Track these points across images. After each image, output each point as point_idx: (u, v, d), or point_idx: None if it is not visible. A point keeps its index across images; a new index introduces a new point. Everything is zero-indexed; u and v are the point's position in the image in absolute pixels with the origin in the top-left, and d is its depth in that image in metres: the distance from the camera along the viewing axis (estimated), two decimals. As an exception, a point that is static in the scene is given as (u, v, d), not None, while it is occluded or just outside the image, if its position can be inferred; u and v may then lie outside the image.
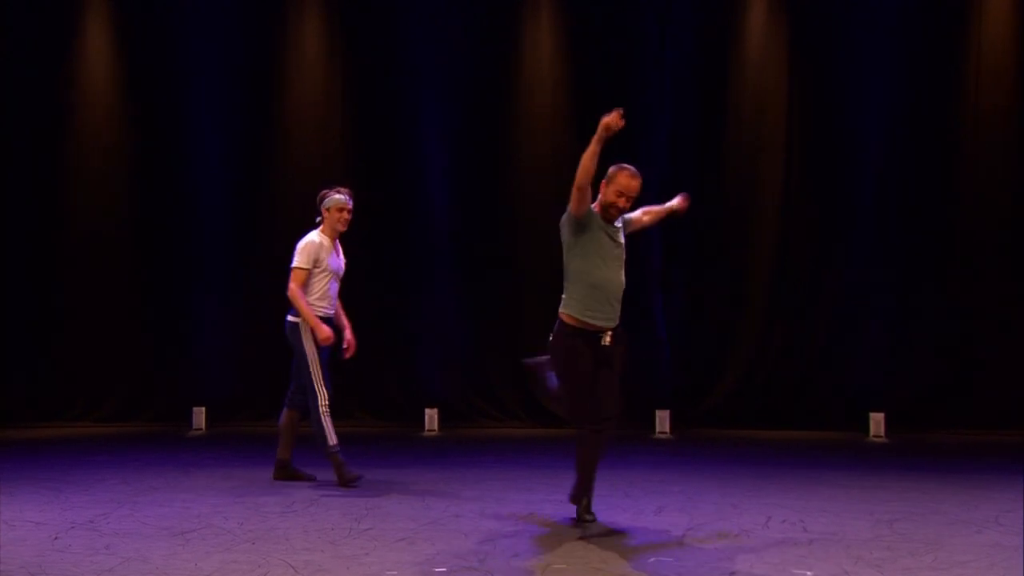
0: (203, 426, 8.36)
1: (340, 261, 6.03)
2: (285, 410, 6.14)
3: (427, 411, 8.38)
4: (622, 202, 4.86)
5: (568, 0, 8.49)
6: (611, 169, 4.94)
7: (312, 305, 5.85)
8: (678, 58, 8.38)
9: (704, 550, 4.39)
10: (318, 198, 6.01)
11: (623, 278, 4.90)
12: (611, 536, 4.68)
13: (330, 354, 5.97)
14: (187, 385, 8.48)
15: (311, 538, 4.63)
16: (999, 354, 8.04)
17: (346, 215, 5.92)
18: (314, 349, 5.85)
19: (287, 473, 6.05)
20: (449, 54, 8.49)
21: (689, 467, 6.71)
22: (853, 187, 8.30)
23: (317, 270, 5.87)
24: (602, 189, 4.91)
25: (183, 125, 8.58)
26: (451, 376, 8.58)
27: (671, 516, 5.08)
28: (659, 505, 5.36)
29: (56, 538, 4.62)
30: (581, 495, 4.90)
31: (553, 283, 8.75)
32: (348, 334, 6.08)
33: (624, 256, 4.93)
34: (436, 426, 8.36)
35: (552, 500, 5.45)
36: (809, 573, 4.02)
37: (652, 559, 4.25)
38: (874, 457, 7.28)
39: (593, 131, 8.95)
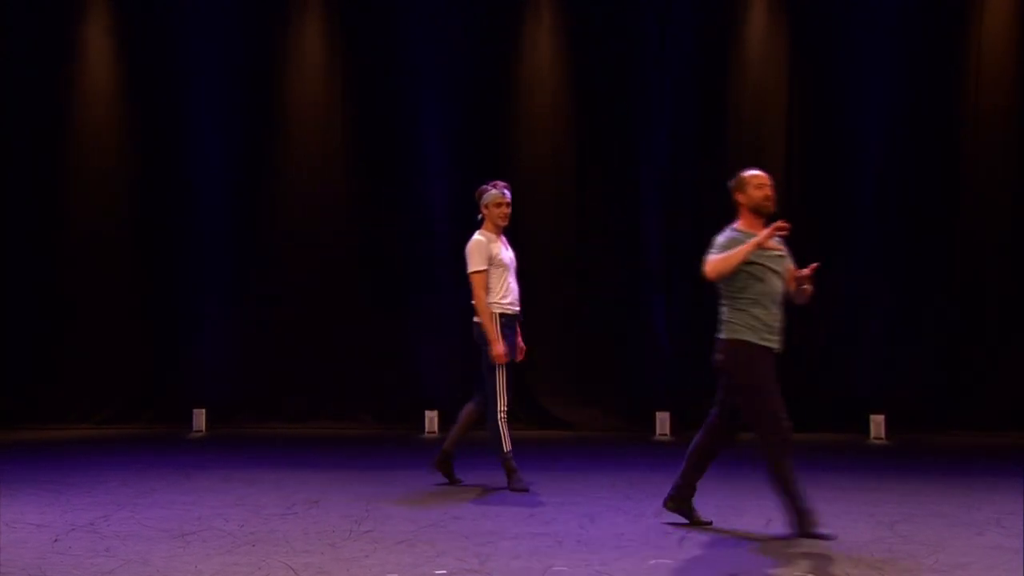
0: (204, 428, 8.35)
1: (510, 254, 5.92)
2: (470, 404, 5.99)
3: (427, 413, 8.37)
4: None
5: (568, 0, 8.50)
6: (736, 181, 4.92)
7: (498, 305, 5.75)
8: (678, 58, 8.37)
9: (704, 552, 4.38)
10: (476, 195, 5.93)
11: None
12: (612, 538, 4.67)
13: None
14: (188, 387, 8.47)
15: (311, 540, 4.63)
16: (1000, 355, 8.03)
17: (505, 208, 5.83)
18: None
19: (445, 467, 5.99)
20: (449, 54, 8.49)
21: (689, 468, 6.69)
22: (853, 187, 8.29)
23: (492, 267, 5.77)
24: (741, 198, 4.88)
25: (183, 125, 8.58)
26: (452, 378, 8.56)
27: (673, 517, 5.06)
28: (659, 507, 5.35)
29: (56, 540, 4.62)
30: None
31: (553, 284, 8.80)
32: (518, 339, 5.96)
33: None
34: (436, 428, 8.35)
35: (553, 502, 5.45)
36: (809, 575, 4.02)
37: (652, 561, 4.25)
38: (875, 459, 7.28)
39: (592, 131, 8.97)
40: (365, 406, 8.60)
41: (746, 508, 5.29)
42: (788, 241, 8.68)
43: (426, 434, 8.31)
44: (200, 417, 8.39)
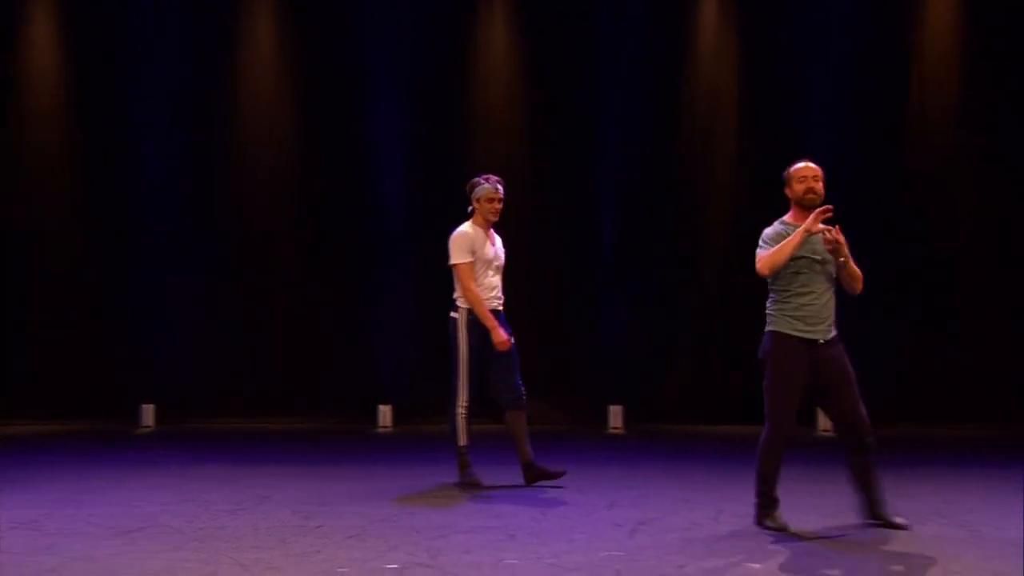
0: (152, 423, 8.23)
1: (497, 251, 5.85)
2: (507, 413, 5.80)
3: (380, 407, 8.33)
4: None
5: (522, -4, 8.51)
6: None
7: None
8: (632, 53, 8.43)
9: (655, 544, 4.42)
10: (468, 187, 5.83)
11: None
12: (563, 531, 4.69)
13: (486, 353, 5.70)
14: (135, 382, 8.34)
15: (261, 536, 4.58)
16: (945, 350, 8.20)
17: (496, 204, 5.75)
18: (467, 349, 5.67)
19: (535, 474, 5.73)
20: (402, 47, 8.46)
21: (641, 462, 6.76)
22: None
23: (474, 260, 5.69)
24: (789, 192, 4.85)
25: (130, 117, 8.44)
26: (405, 372, 8.54)
27: (623, 511, 5.10)
28: (611, 500, 5.38)
29: (-3, 538, 4.51)
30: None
31: (506, 277, 8.82)
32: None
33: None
34: (389, 422, 8.32)
35: (506, 496, 5.46)
36: (758, 566, 4.07)
37: (603, 554, 4.27)
38: (822, 451, 7.38)
39: (546, 125, 8.98)
40: (317, 400, 8.54)
41: (697, 501, 5.34)
42: (740, 237, 8.83)
43: (379, 428, 8.27)
44: (148, 412, 8.27)
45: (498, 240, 5.92)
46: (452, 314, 5.77)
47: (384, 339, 8.54)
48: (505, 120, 8.53)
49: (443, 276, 8.66)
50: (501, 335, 5.63)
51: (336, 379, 8.52)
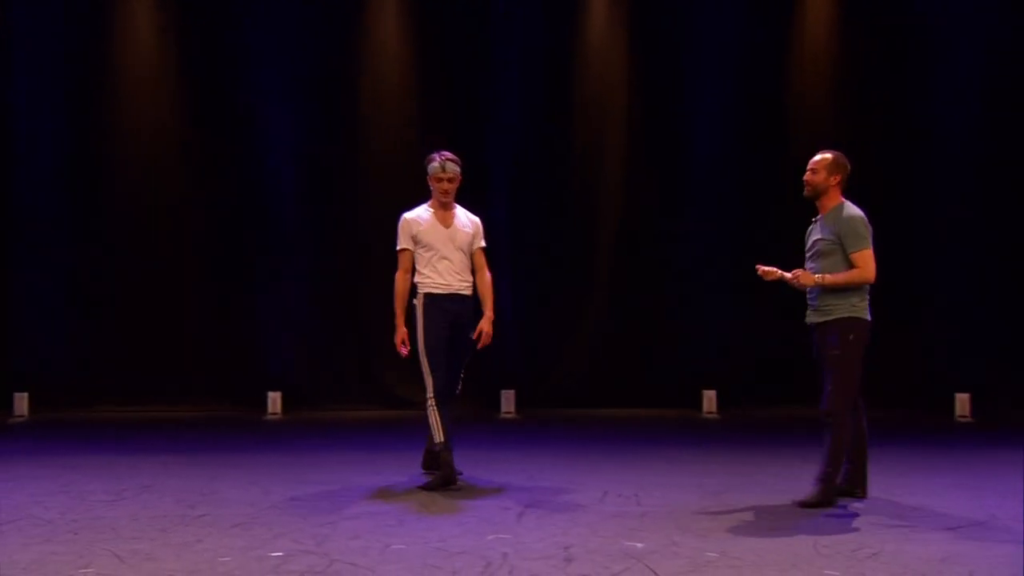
0: (26, 413, 7.91)
1: (455, 232, 5.35)
2: None
3: (270, 394, 8.20)
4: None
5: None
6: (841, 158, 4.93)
7: (423, 284, 5.31)
8: (524, 41, 8.48)
9: (541, 526, 4.48)
10: (425, 163, 5.43)
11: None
12: (452, 516, 4.72)
13: (448, 341, 5.28)
14: (8, 370, 8.01)
15: (141, 526, 4.45)
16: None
17: (445, 184, 5.32)
18: (424, 335, 5.28)
19: (431, 462, 5.44)
20: (292, 35, 8.34)
21: (532, 446, 6.84)
22: (691, 170, 8.63)
23: (421, 248, 5.33)
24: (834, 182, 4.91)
25: (6, 104, 8.09)
26: (296, 358, 8.43)
27: (512, 494, 5.16)
28: (501, 483, 5.43)
29: None
30: (835, 478, 4.87)
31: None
32: (482, 321, 5.37)
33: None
34: (279, 409, 8.19)
35: (396, 482, 5.44)
36: (639, 544, 4.17)
37: (490, 537, 4.31)
38: (706, 433, 7.64)
39: (439, 114, 8.92)
40: (204, 387, 8.36)
41: (584, 483, 5.44)
42: (630, 224, 8.95)
43: (268, 415, 8.14)
44: (22, 401, 7.94)
45: (464, 217, 5.45)
46: (415, 300, 5.40)
47: (274, 326, 8.40)
48: (396, 107, 8.47)
49: (334, 262, 8.61)
50: (399, 335, 5.32)
51: (225, 366, 8.35)
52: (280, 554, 4.03)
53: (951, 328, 8.34)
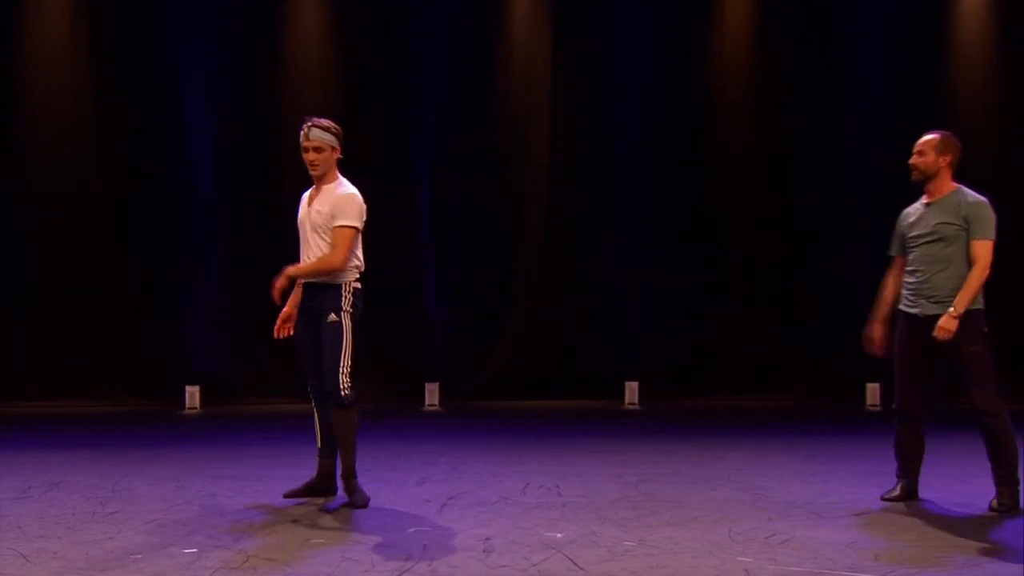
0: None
1: (311, 211, 4.63)
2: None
3: (188, 388, 8.02)
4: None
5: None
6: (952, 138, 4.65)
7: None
8: (447, 30, 8.44)
9: (462, 518, 4.47)
10: None
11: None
12: (373, 509, 4.68)
13: (307, 337, 4.78)
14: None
15: (48, 524, 4.32)
16: (741, 325, 8.70)
17: (311, 155, 4.61)
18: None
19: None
20: (211, 22, 8.14)
21: (456, 438, 6.83)
22: (613, 164, 8.69)
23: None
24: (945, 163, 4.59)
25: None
26: (217, 352, 8.26)
27: (434, 486, 5.14)
28: (423, 476, 5.41)
29: None
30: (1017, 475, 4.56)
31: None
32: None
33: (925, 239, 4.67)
34: (198, 404, 8.03)
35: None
36: (559, 535, 4.20)
37: (411, 530, 4.29)
38: (627, 424, 7.73)
39: (361, 103, 8.80)
40: (118, 381, 8.13)
41: (506, 474, 5.45)
42: (554, 217, 8.98)
43: (186, 410, 7.96)
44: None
45: (328, 194, 4.64)
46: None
47: (193, 319, 8.22)
48: (317, 93, 8.33)
49: (253, 254, 8.44)
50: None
51: (142, 360, 8.15)
52: (194, 550, 3.95)
53: (860, 322, 8.57)
